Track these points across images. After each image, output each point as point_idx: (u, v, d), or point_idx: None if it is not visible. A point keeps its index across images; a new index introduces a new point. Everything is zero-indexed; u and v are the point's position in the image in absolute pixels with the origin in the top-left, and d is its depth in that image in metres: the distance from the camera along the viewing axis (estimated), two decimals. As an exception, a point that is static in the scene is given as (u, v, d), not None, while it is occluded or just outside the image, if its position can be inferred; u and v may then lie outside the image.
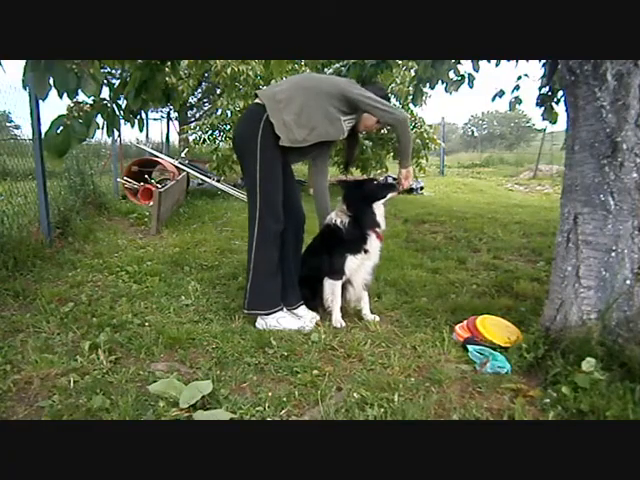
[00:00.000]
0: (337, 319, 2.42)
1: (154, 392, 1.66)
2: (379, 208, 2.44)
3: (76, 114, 1.84)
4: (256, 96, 2.37)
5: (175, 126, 13.92)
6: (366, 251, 2.43)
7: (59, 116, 1.81)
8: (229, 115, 7.78)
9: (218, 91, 11.67)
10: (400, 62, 5.60)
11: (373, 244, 2.44)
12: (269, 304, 2.34)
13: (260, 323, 2.33)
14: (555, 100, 4.10)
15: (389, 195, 2.46)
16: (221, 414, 1.53)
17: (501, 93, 4.24)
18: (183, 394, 1.61)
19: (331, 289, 2.44)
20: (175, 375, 1.80)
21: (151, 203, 5.14)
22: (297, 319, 2.36)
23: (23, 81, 1.78)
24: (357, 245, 2.41)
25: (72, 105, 1.86)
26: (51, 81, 1.70)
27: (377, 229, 2.44)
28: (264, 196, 2.29)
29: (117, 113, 2.19)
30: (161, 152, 8.41)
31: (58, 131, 1.78)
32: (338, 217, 2.45)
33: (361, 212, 2.41)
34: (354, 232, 2.41)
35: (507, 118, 37.38)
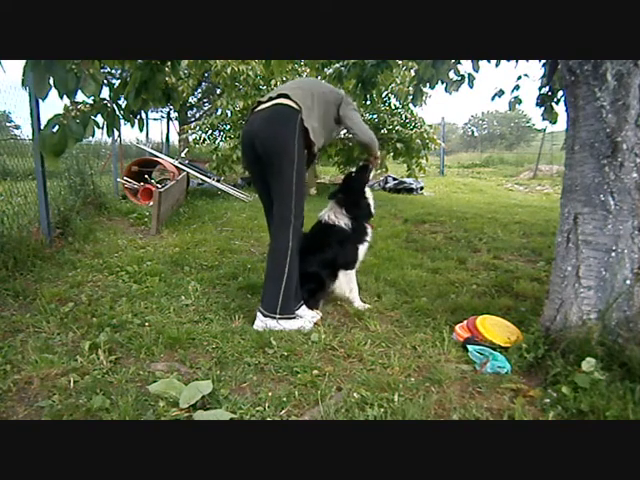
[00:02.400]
0: (360, 304, 2.65)
1: (154, 392, 1.66)
2: (369, 194, 2.76)
3: (73, 114, 1.84)
4: (280, 97, 2.34)
5: (175, 126, 13.93)
6: (367, 241, 2.71)
7: (55, 115, 1.80)
8: (229, 115, 7.79)
9: (218, 91, 11.69)
10: (400, 62, 5.60)
11: (370, 234, 2.74)
12: (293, 307, 2.36)
13: (259, 325, 2.30)
14: (555, 100, 4.10)
15: (369, 176, 2.79)
16: (221, 414, 1.53)
17: (501, 93, 4.25)
18: (183, 394, 1.61)
19: (348, 279, 2.65)
20: (175, 375, 1.80)
21: (151, 203, 5.15)
22: (296, 319, 2.36)
23: (23, 81, 1.78)
24: (362, 236, 2.69)
25: (69, 105, 1.86)
26: (51, 81, 1.70)
27: (370, 221, 2.76)
28: (297, 199, 2.31)
29: (117, 113, 2.19)
30: (161, 152, 8.42)
31: (54, 130, 1.78)
32: (338, 218, 2.66)
33: (358, 209, 2.69)
34: (358, 227, 2.68)
35: (507, 118, 37.39)
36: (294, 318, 2.33)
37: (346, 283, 2.64)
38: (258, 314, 2.33)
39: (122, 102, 2.25)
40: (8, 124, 6.31)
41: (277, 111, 2.32)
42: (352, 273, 2.65)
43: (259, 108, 2.41)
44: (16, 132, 5.83)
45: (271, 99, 2.38)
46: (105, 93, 2.05)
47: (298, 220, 2.34)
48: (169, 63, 2.38)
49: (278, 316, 2.28)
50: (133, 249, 3.82)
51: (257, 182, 2.56)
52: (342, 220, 2.64)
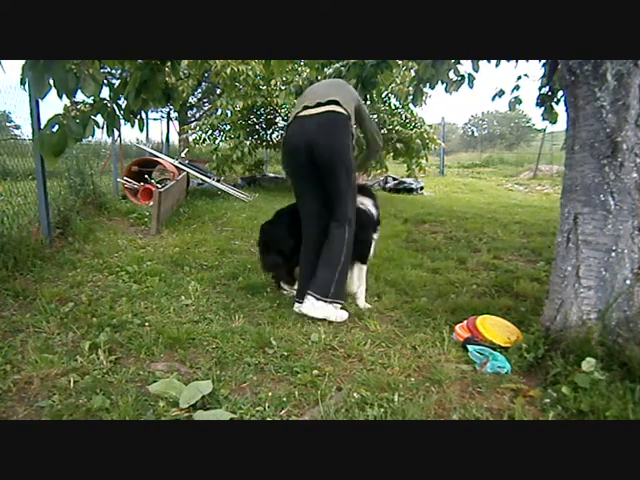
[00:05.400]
0: (363, 302, 2.68)
1: (154, 392, 1.66)
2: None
3: (73, 114, 1.84)
4: (331, 103, 2.41)
5: (175, 126, 13.93)
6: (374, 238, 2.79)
7: (55, 115, 1.81)
8: (229, 115, 7.79)
9: (218, 91, 11.70)
10: (400, 62, 5.59)
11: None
12: (345, 297, 2.55)
13: (308, 307, 2.41)
14: (555, 100, 4.10)
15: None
16: (221, 414, 1.53)
17: (501, 93, 4.25)
18: (183, 394, 1.61)
19: (360, 274, 2.70)
20: (175, 375, 1.80)
21: (151, 203, 5.14)
22: (344, 311, 2.51)
23: (22, 80, 1.78)
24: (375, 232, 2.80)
25: (69, 105, 1.86)
26: (51, 81, 1.70)
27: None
28: (353, 202, 2.52)
29: (117, 113, 2.19)
30: (161, 152, 8.41)
31: (54, 130, 1.78)
32: (370, 207, 2.79)
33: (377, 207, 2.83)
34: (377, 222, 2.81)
35: (507, 118, 37.37)
36: (343, 308, 2.48)
37: (358, 278, 2.69)
38: (309, 297, 2.41)
39: (122, 102, 2.25)
40: (8, 124, 6.32)
41: (335, 119, 2.41)
42: (364, 269, 2.71)
43: (308, 113, 2.42)
44: (16, 132, 5.84)
45: (320, 105, 2.41)
46: (105, 93, 2.06)
47: (353, 222, 2.52)
48: (169, 63, 2.38)
49: (329, 300, 2.41)
50: (133, 249, 3.81)
51: (303, 185, 2.56)
52: (372, 208, 2.79)
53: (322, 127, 2.39)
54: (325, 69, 4.60)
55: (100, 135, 6.89)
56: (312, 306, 2.40)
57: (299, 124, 2.47)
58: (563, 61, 1.94)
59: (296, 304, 2.54)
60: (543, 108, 4.16)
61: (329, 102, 2.41)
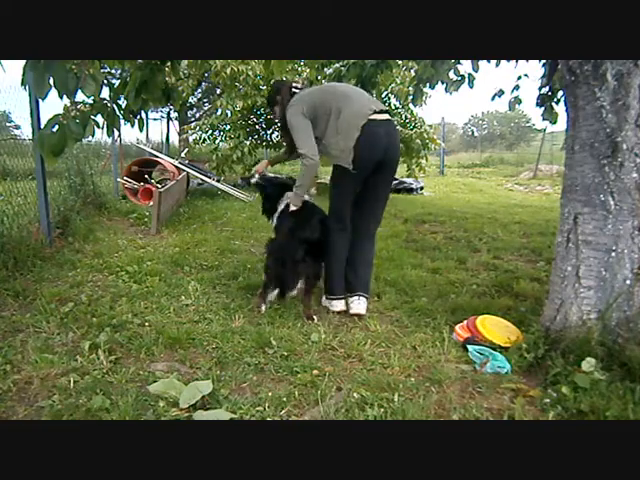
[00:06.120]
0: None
1: (154, 392, 1.66)
2: None
3: (73, 114, 1.84)
4: (386, 112, 2.48)
5: (175, 126, 13.93)
6: None
7: (55, 115, 1.81)
8: (229, 115, 7.78)
9: (218, 91, 11.69)
10: (400, 62, 5.60)
11: None
12: None
13: (364, 308, 2.52)
14: (555, 100, 4.10)
15: None
16: (221, 414, 1.53)
17: (501, 93, 4.25)
18: (183, 394, 1.61)
19: None
20: (175, 375, 1.80)
21: (151, 203, 5.14)
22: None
23: (22, 81, 1.78)
24: None
25: (69, 105, 1.86)
26: (51, 81, 1.70)
27: None
28: None
29: (117, 113, 2.18)
30: (161, 152, 8.41)
31: (54, 130, 1.78)
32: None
33: None
34: None
35: (507, 118, 37.37)
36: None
37: None
38: (362, 299, 2.51)
39: (122, 102, 2.24)
40: (8, 124, 6.32)
41: (394, 127, 2.59)
42: None
43: (381, 118, 2.42)
44: (16, 132, 5.84)
45: (382, 112, 2.46)
46: (105, 93, 2.05)
47: None
48: (169, 63, 2.38)
49: (368, 294, 2.57)
50: (133, 249, 3.81)
51: (357, 186, 2.51)
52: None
53: (395, 133, 2.57)
54: (325, 69, 4.60)
55: (100, 135, 6.89)
56: (364, 304, 2.52)
57: (376, 126, 2.39)
58: (563, 61, 1.94)
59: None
60: (543, 108, 4.15)
61: (384, 111, 2.48)
